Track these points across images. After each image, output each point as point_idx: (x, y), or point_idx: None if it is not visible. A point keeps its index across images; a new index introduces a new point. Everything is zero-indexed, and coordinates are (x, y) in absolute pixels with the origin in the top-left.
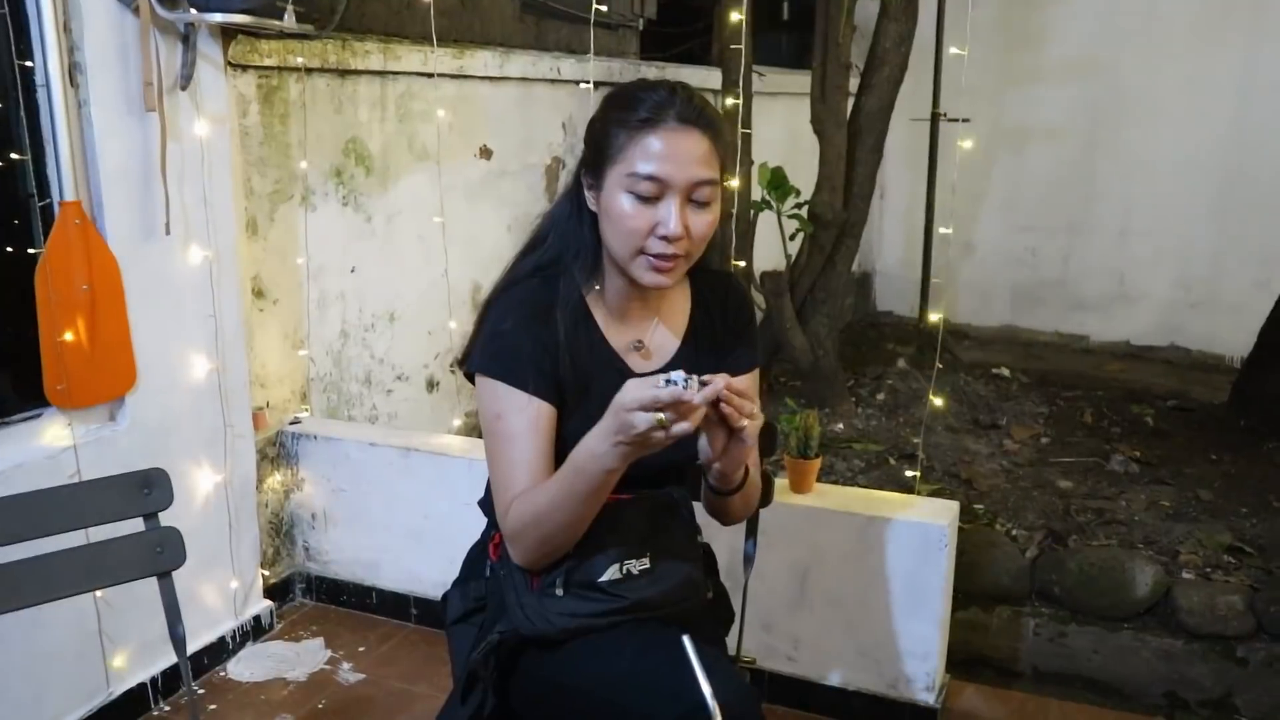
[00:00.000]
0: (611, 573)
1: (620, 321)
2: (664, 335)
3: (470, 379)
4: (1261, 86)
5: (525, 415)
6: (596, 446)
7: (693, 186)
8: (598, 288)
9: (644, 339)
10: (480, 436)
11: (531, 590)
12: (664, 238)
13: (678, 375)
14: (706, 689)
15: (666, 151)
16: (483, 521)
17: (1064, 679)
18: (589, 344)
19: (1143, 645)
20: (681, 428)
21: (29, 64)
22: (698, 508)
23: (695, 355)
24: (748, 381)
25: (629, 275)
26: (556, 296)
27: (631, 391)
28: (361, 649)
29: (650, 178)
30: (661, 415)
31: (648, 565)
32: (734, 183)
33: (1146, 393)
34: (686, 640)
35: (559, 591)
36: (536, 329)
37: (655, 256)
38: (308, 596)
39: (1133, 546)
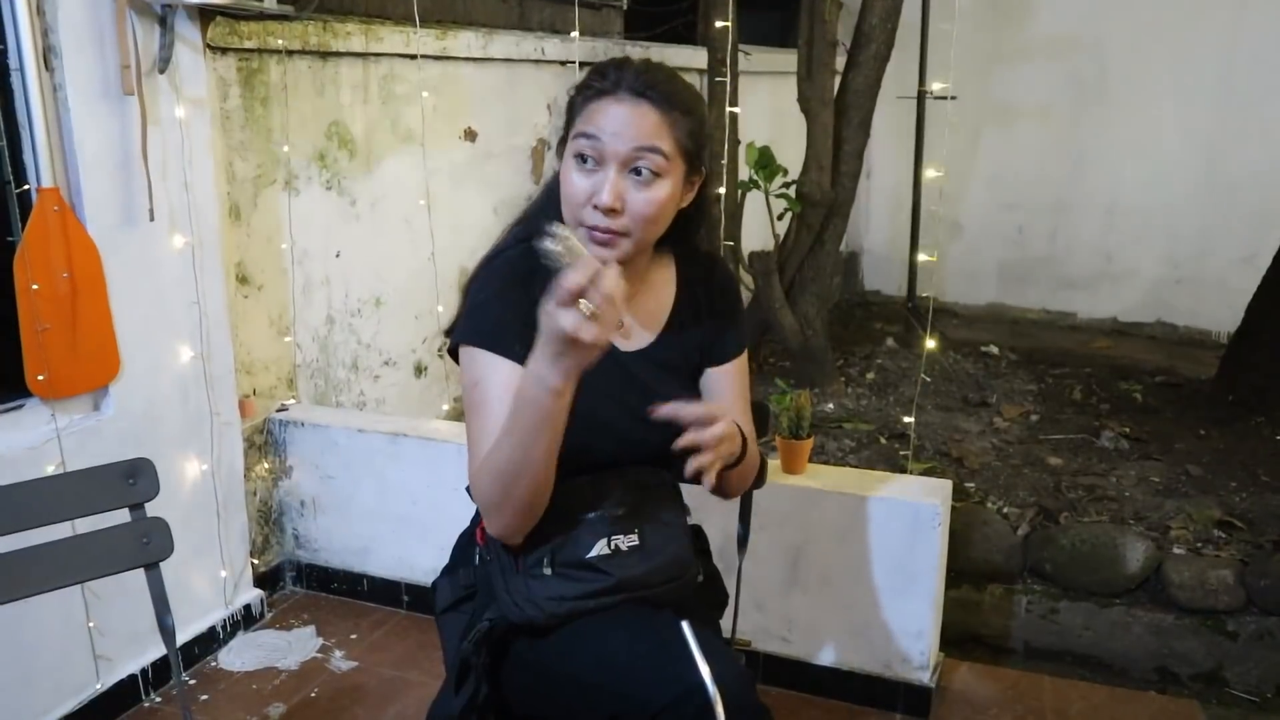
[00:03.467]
0: (600, 548)
1: None
2: (647, 315)
3: (455, 356)
4: (1246, 63)
5: (500, 381)
6: (537, 368)
7: (631, 156)
8: None
9: (626, 319)
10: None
11: (516, 572)
12: (596, 207)
13: (557, 229)
14: (706, 673)
15: (608, 117)
16: (472, 507)
17: (1056, 655)
18: None
19: (1134, 620)
20: (607, 311)
21: (1, 47)
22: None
23: (680, 336)
24: (736, 367)
25: None
26: (535, 271)
27: (561, 320)
28: (353, 636)
29: (587, 135)
30: (583, 303)
31: (636, 542)
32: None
33: (1134, 369)
34: (685, 626)
35: (546, 571)
36: (517, 295)
37: (592, 229)
38: (298, 585)
39: (1123, 522)
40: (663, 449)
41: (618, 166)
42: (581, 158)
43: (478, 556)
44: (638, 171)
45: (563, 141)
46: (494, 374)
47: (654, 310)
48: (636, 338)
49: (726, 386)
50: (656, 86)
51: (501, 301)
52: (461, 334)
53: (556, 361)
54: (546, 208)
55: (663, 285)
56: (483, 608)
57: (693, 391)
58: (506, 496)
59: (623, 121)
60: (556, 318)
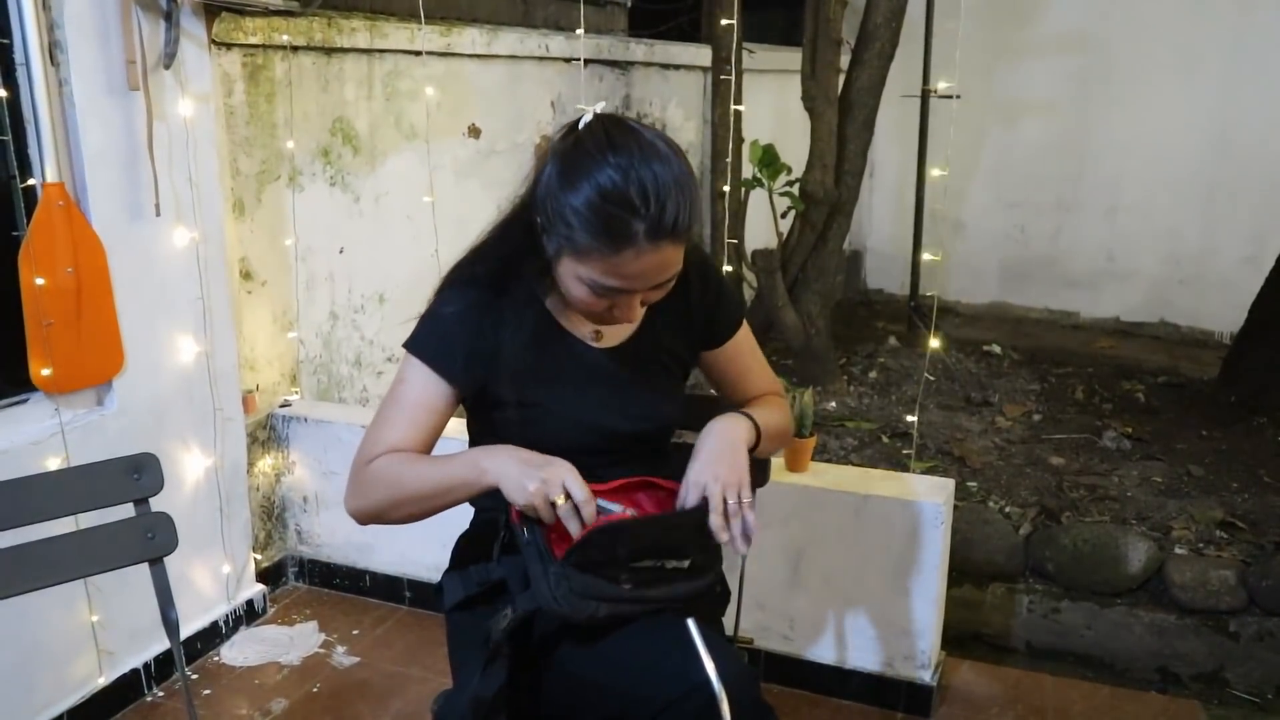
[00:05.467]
0: (647, 561)
1: (575, 312)
2: None
3: None
4: (1251, 63)
5: (420, 391)
6: (488, 459)
7: (654, 288)
8: (549, 282)
9: (601, 327)
10: (465, 416)
11: (556, 559)
12: (619, 319)
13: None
14: (712, 671)
15: (633, 273)
16: (469, 508)
17: (1057, 655)
18: (550, 338)
19: (1135, 620)
20: (559, 517)
21: (6, 42)
22: None
23: (659, 330)
24: (741, 337)
25: None
26: (505, 295)
27: (566, 472)
28: (355, 632)
29: (606, 288)
30: (561, 500)
31: (684, 566)
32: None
33: (1137, 369)
34: (691, 624)
35: (626, 586)
36: (476, 320)
37: (609, 321)
38: (300, 580)
39: (1125, 522)
40: (648, 443)
41: (641, 294)
42: (596, 293)
43: (499, 548)
44: (656, 288)
45: (548, 233)
46: (419, 384)
47: None
48: (614, 335)
49: (736, 358)
50: (676, 222)
51: (457, 322)
52: (410, 340)
53: (507, 475)
54: (519, 261)
55: None
56: (514, 594)
57: (676, 384)
58: (383, 503)
59: (645, 274)
60: (549, 485)
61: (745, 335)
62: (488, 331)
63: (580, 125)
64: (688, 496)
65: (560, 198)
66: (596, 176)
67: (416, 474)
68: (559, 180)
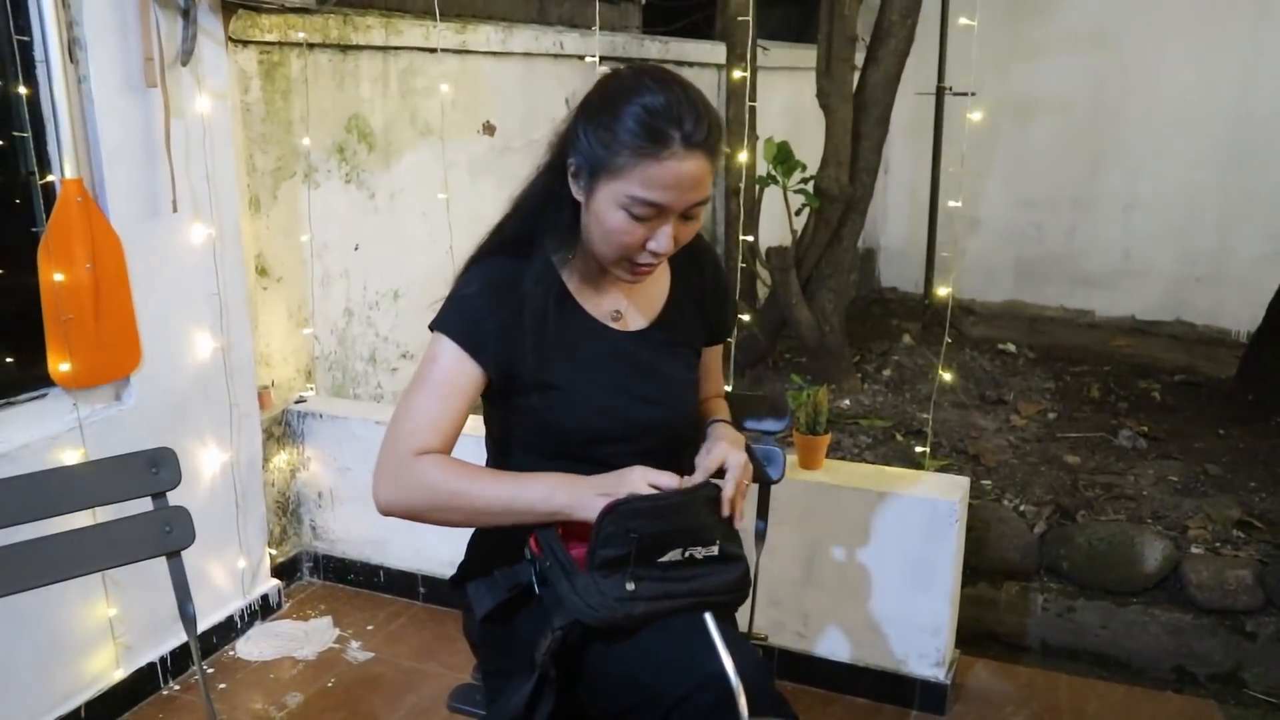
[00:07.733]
0: (673, 555)
1: (595, 291)
2: (646, 300)
3: None
4: (1268, 61)
5: (452, 371)
6: (561, 489)
7: (688, 208)
8: (570, 257)
9: (621, 307)
10: (480, 411)
11: (580, 571)
12: (653, 252)
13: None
14: (729, 665)
15: (670, 181)
16: None
17: (1072, 653)
18: (568, 316)
19: (1151, 620)
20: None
21: (26, 39)
22: None
23: (679, 318)
24: (720, 346)
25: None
26: (524, 273)
27: (639, 475)
28: (370, 627)
29: (650, 204)
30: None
31: (715, 553)
32: (742, 156)
33: (1153, 367)
34: (709, 617)
35: (630, 585)
36: (499, 299)
37: (640, 265)
38: (315, 575)
39: (1141, 521)
40: (667, 429)
41: (675, 217)
42: (634, 214)
43: (535, 567)
44: (689, 215)
45: (586, 166)
46: (448, 363)
47: (653, 295)
48: (636, 321)
49: (714, 361)
50: (709, 134)
51: (481, 301)
52: (437, 320)
53: (589, 505)
54: (543, 219)
55: (659, 270)
56: (545, 614)
57: (693, 370)
58: (429, 505)
59: (681, 183)
60: (633, 480)
61: (719, 351)
62: (509, 305)
63: (612, 70)
64: (708, 461)
65: (600, 122)
66: (638, 99)
67: (481, 490)
68: (599, 110)
